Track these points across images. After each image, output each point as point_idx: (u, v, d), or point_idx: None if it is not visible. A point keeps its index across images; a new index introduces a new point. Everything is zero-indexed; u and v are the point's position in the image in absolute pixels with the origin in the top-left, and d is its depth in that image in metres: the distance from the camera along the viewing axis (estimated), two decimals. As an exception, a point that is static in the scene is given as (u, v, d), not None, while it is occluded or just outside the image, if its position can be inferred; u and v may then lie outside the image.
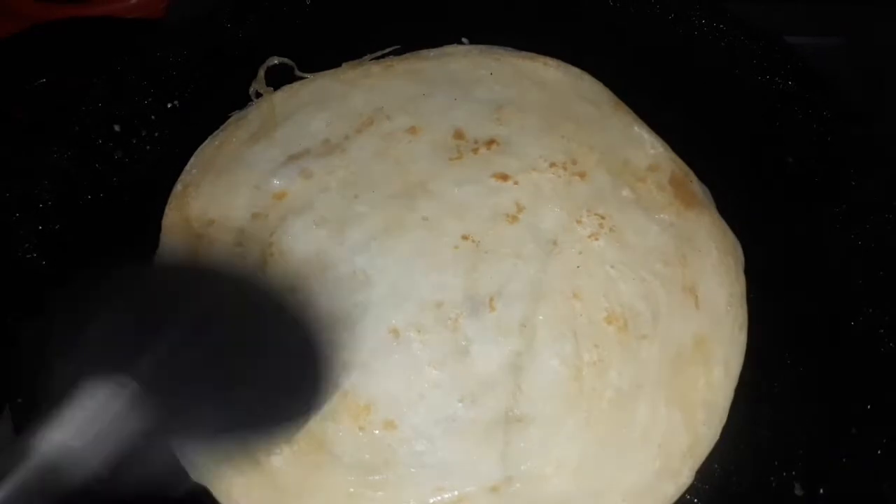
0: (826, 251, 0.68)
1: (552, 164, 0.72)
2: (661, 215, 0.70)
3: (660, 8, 0.82)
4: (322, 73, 0.80)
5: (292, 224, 0.69)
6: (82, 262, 0.67)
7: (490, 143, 0.73)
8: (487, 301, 0.65)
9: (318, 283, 0.65)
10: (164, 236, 0.71)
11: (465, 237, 0.68)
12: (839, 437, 0.61)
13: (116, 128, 0.74)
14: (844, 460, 0.60)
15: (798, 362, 0.65)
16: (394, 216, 0.69)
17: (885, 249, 0.66)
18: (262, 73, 0.80)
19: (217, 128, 0.77)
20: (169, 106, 0.77)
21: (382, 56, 0.82)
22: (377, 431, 0.61)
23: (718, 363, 0.65)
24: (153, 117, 0.76)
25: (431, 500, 0.59)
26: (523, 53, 0.81)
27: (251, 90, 0.80)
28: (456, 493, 0.59)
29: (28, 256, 0.66)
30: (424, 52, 0.82)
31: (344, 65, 0.81)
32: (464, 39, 0.83)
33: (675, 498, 0.61)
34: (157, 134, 0.76)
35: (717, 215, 0.72)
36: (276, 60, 0.81)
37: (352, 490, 0.59)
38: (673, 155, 0.75)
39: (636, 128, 0.76)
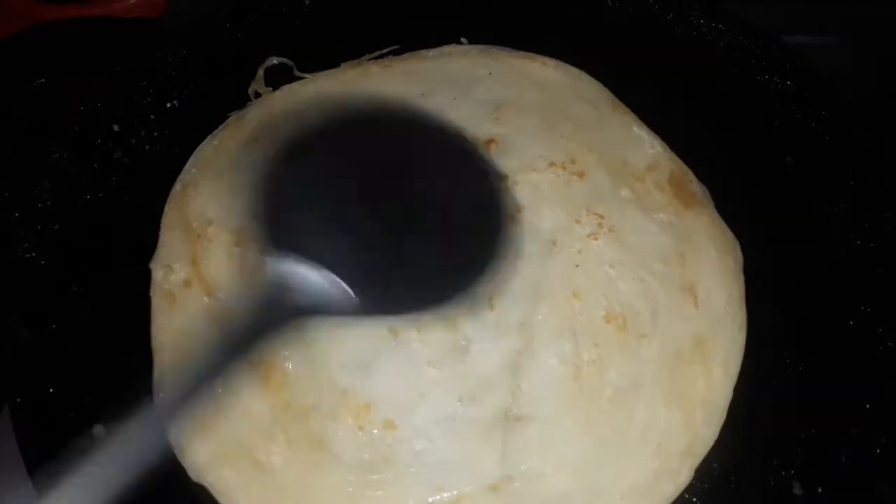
0: (825, 251, 0.69)
1: (551, 164, 0.72)
2: (660, 215, 0.70)
3: (658, 8, 0.82)
4: (321, 73, 0.80)
5: (292, 224, 0.69)
6: (82, 262, 0.67)
7: (489, 142, 0.73)
8: (487, 300, 0.65)
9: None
10: (163, 236, 0.71)
11: (464, 237, 0.68)
12: (838, 437, 0.61)
13: (116, 128, 0.74)
14: (843, 460, 0.60)
15: (797, 362, 0.65)
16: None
17: (884, 249, 0.66)
18: (261, 73, 0.80)
19: (216, 128, 0.77)
20: (168, 106, 0.77)
21: (381, 56, 0.82)
22: (377, 431, 0.61)
23: (717, 362, 0.65)
24: (152, 117, 0.76)
25: (431, 499, 0.59)
26: (522, 53, 0.81)
27: (250, 90, 0.80)
28: (455, 492, 0.59)
29: (28, 256, 0.66)
30: (423, 53, 0.82)
31: (343, 65, 0.81)
32: (463, 39, 0.83)
33: (675, 497, 0.61)
34: (156, 134, 0.76)
35: (716, 215, 0.72)
36: (275, 60, 0.81)
37: (351, 489, 0.59)
38: (672, 154, 0.75)
39: (635, 127, 0.76)
